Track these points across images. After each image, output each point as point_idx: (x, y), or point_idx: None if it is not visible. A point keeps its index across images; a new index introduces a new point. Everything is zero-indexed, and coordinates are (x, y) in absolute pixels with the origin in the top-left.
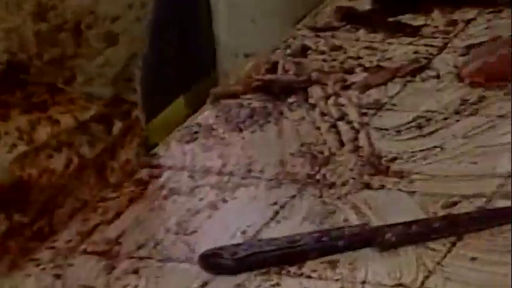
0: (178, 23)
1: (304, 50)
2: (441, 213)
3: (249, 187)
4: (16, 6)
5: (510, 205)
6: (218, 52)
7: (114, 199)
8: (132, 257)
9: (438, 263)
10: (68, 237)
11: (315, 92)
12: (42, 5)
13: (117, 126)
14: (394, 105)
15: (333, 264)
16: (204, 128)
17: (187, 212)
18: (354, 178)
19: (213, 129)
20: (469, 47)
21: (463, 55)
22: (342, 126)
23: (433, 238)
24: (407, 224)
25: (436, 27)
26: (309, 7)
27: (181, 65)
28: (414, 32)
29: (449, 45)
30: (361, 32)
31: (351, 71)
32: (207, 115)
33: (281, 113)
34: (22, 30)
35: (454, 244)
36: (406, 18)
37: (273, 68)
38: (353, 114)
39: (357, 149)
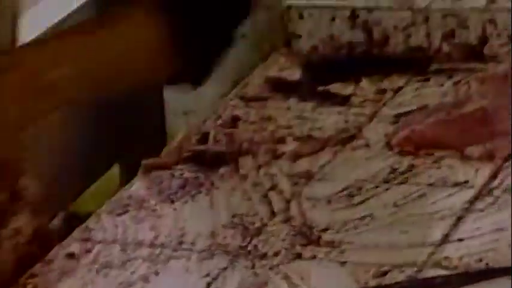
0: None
1: (234, 121)
2: (372, 282)
3: (180, 259)
4: None
5: (440, 274)
6: (166, 113)
7: (45, 274)
8: None
9: None
10: None
11: (246, 162)
12: None
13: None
14: (324, 174)
15: None
16: (136, 199)
17: (120, 285)
18: (285, 248)
19: (145, 201)
20: (398, 116)
21: (392, 124)
22: (274, 196)
23: None
24: None
25: (365, 95)
26: (242, 67)
27: (122, 130)
28: (344, 101)
29: (378, 114)
30: (292, 102)
31: (281, 141)
32: (138, 186)
33: (212, 184)
34: None
35: None
36: (336, 88)
37: (203, 138)
38: (284, 184)
39: (288, 219)
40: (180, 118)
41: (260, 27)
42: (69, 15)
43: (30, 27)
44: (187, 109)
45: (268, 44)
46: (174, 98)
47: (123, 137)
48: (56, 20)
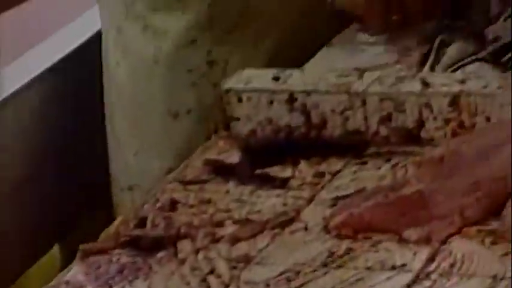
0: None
1: (173, 204)
2: None
3: None
4: None
5: None
6: (112, 188)
7: None
8: None
9: None
10: None
11: (185, 246)
12: None
13: None
14: (263, 258)
15: None
16: (73, 285)
17: None
18: None
19: (82, 287)
20: (336, 199)
21: (330, 207)
22: (212, 280)
23: None
24: None
25: (303, 179)
26: (188, 143)
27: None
28: (282, 184)
29: (316, 197)
30: (231, 185)
31: (220, 224)
32: (76, 271)
33: (150, 268)
34: None
35: None
36: (274, 171)
37: (141, 222)
38: (223, 268)
39: None
40: (126, 193)
41: (206, 103)
42: None
43: None
44: (132, 183)
45: (213, 120)
46: (120, 172)
47: (64, 215)
48: None
